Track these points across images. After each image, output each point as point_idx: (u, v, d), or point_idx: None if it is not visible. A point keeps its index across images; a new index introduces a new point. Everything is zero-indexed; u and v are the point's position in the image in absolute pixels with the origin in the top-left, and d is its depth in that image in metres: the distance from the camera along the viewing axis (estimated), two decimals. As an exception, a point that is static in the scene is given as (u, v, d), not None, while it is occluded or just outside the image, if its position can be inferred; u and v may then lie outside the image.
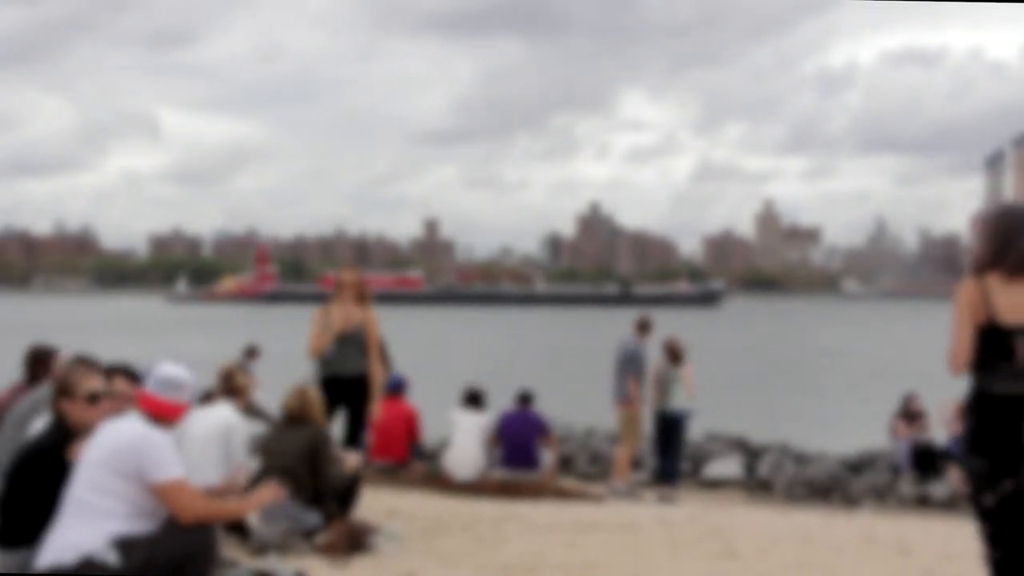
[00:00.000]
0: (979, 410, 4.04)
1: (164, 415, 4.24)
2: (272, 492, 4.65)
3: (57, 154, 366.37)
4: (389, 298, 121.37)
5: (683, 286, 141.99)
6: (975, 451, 4.05)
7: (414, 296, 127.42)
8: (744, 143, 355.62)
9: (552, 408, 11.28)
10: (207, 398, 6.62)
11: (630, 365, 10.54)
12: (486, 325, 72.57)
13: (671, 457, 10.50)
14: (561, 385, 27.25)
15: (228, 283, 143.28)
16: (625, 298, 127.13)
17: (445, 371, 24.43)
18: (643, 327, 10.76)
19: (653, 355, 10.75)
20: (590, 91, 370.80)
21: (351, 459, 6.46)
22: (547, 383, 26.17)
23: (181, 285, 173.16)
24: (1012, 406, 3.94)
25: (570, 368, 35.52)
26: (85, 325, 63.32)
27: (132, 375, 4.96)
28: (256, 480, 6.08)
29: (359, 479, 6.47)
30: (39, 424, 4.87)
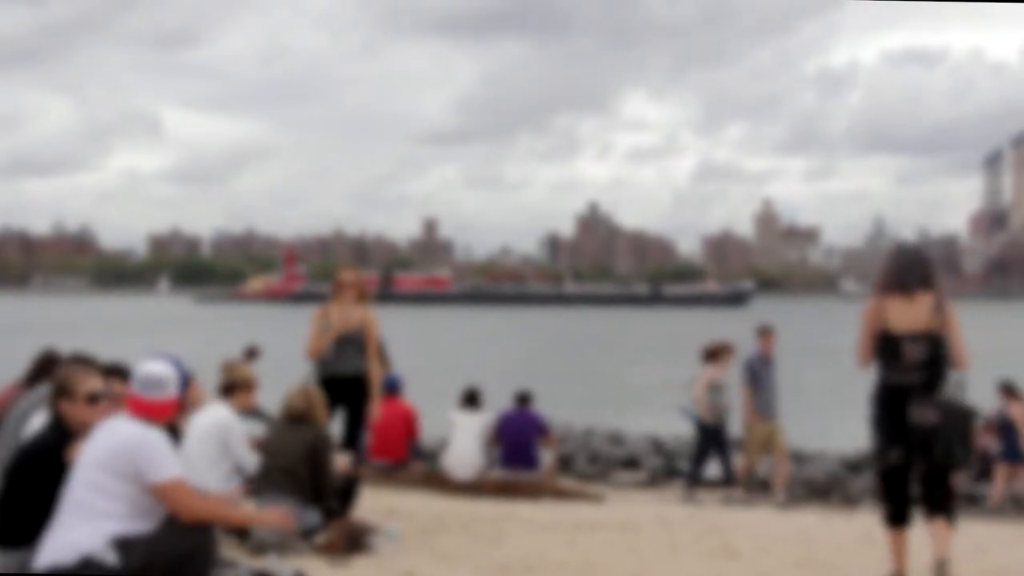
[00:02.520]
0: (879, 397, 5.34)
1: (151, 415, 4.21)
2: (279, 517, 4.65)
3: (60, 154, 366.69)
4: (418, 298, 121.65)
5: (712, 286, 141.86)
6: (876, 428, 5.34)
7: (442, 296, 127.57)
8: (745, 143, 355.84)
9: (568, 407, 11.22)
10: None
11: (743, 374, 10.44)
12: (512, 325, 72.14)
13: (696, 460, 10.54)
14: (573, 384, 27.30)
15: (256, 283, 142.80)
16: (655, 298, 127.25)
17: (458, 370, 24.38)
18: (761, 334, 10.58)
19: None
20: (592, 91, 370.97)
21: (341, 461, 6.47)
22: (560, 382, 26.26)
23: (164, 284, 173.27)
24: (900, 394, 5.23)
25: (587, 367, 35.59)
26: (110, 324, 63.66)
27: (127, 375, 4.96)
28: (259, 477, 6.08)
29: (358, 479, 6.46)
30: (36, 423, 4.87)
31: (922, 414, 5.16)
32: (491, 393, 10.63)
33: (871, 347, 5.32)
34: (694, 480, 10.44)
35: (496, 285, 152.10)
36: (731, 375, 10.61)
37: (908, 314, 5.23)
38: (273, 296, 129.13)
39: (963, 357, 5.27)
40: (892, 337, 5.24)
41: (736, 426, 10.81)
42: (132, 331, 54.97)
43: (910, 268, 5.30)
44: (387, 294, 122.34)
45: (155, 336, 50.37)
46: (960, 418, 5.17)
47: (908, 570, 5.30)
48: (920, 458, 5.20)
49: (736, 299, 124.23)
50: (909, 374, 5.21)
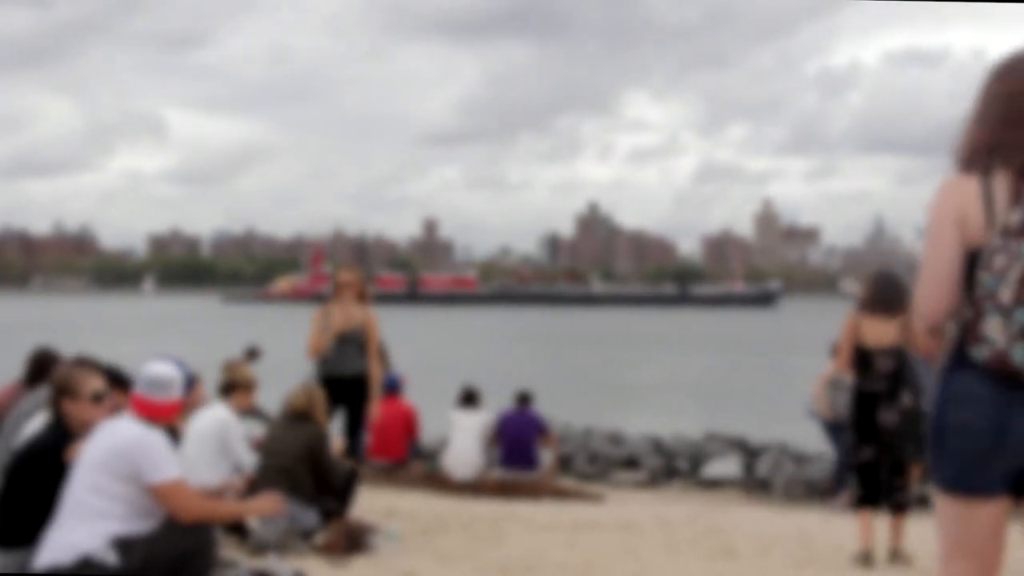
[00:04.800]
0: (854, 401, 6.32)
1: (156, 416, 4.21)
2: (272, 503, 4.62)
3: (62, 154, 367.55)
4: (445, 299, 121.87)
5: (739, 286, 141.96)
6: (851, 428, 6.32)
7: (470, 296, 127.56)
8: (746, 143, 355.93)
9: (570, 407, 11.08)
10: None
11: None
12: (536, 325, 71.53)
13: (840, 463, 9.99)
14: (578, 384, 27.30)
15: (283, 283, 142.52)
16: (683, 298, 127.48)
17: (464, 370, 24.41)
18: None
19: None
20: (594, 92, 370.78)
21: (336, 441, 6.47)
22: (565, 382, 26.21)
23: (149, 284, 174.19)
24: (871, 399, 6.20)
25: (597, 367, 35.58)
26: (124, 324, 63.84)
27: (121, 380, 4.91)
28: (257, 477, 6.08)
29: (357, 474, 6.44)
30: (36, 424, 4.86)
31: (888, 417, 6.16)
32: (497, 393, 10.61)
33: (851, 357, 6.30)
34: (840, 484, 9.96)
35: (523, 286, 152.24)
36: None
37: (882, 332, 6.15)
38: (299, 296, 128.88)
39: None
40: (866, 351, 6.19)
41: None
42: (151, 331, 55.04)
43: (890, 293, 6.19)
44: (414, 294, 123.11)
45: (168, 336, 50.37)
46: (914, 420, 6.07)
47: (874, 548, 6.06)
48: (885, 454, 6.19)
49: (764, 299, 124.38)
50: (878, 383, 6.17)
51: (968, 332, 2.58)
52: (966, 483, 2.59)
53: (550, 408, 11.42)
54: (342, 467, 6.35)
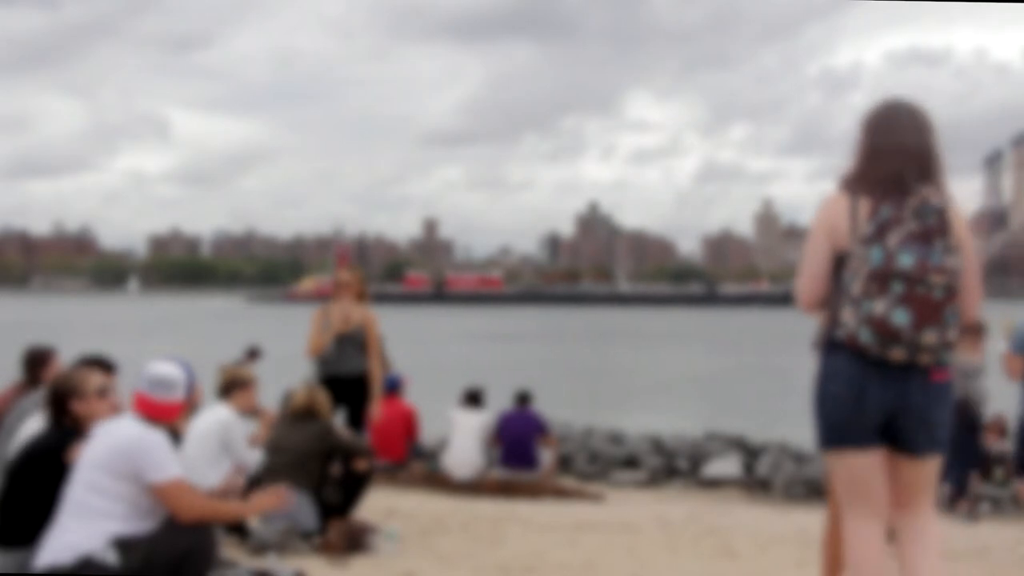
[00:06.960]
0: None
1: (159, 416, 4.22)
2: (275, 498, 4.60)
3: (66, 155, 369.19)
4: (472, 299, 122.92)
5: (765, 286, 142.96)
6: None
7: (496, 296, 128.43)
8: (748, 144, 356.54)
9: (573, 406, 11.11)
10: None
11: (1015, 342, 7.69)
12: (562, 325, 71.32)
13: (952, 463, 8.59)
14: (584, 384, 27.30)
15: (308, 284, 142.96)
16: (709, 298, 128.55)
17: (470, 370, 24.46)
18: None
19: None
20: (598, 93, 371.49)
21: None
22: (573, 382, 26.20)
23: (133, 285, 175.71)
24: None
25: (608, 367, 35.58)
26: (138, 324, 63.97)
27: (107, 366, 5.01)
28: (262, 476, 6.08)
29: (370, 475, 6.43)
30: (34, 425, 4.86)
31: None
32: (498, 393, 10.59)
33: None
34: (961, 489, 9.15)
35: (549, 285, 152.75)
36: (987, 359, 9.05)
37: None
38: (324, 296, 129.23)
39: None
40: None
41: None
42: (161, 332, 55.03)
43: None
44: (441, 294, 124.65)
45: (171, 337, 50.34)
46: None
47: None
48: None
49: (789, 299, 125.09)
50: None
51: (833, 318, 3.31)
52: (840, 439, 3.33)
53: (550, 408, 11.42)
54: (360, 440, 6.40)
